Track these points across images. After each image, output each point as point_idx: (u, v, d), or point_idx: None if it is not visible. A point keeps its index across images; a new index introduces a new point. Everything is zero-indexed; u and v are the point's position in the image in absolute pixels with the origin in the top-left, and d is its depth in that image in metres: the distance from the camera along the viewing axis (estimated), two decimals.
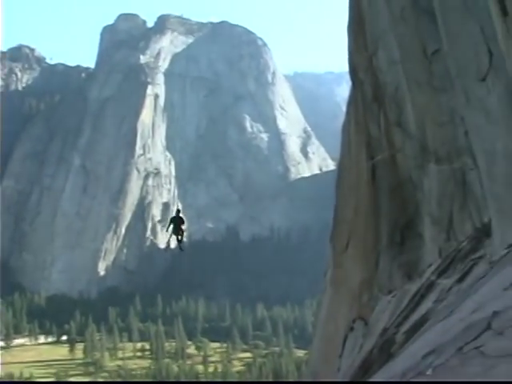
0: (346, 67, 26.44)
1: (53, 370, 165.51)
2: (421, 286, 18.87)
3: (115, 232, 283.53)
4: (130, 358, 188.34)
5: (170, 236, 31.68)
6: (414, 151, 20.51)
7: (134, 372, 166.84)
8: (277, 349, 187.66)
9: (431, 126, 19.63)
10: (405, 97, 20.66)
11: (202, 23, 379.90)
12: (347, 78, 26.66)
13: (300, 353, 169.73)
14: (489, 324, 7.56)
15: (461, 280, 15.88)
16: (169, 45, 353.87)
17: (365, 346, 20.57)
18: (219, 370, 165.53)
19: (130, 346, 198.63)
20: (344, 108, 28.43)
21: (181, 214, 32.58)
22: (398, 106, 21.02)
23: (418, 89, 20.19)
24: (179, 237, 31.48)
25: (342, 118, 28.37)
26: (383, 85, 21.91)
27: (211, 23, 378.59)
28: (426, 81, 19.81)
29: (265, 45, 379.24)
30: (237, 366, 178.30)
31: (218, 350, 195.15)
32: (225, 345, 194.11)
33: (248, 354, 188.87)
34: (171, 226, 31.42)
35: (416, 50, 20.04)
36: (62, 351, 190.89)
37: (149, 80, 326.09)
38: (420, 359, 8.75)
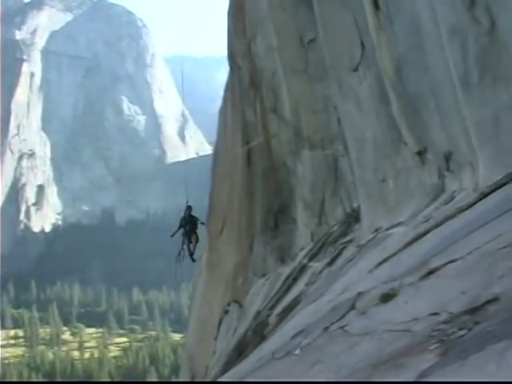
0: (225, 52, 26.45)
1: None
2: (293, 269, 19.34)
3: None
4: (2, 346, 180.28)
5: (184, 245, 23.38)
6: (288, 137, 20.88)
7: (6, 361, 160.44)
8: (153, 333, 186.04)
9: (305, 113, 20.04)
10: (281, 84, 20.96)
11: (82, 0, 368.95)
12: (226, 62, 26.71)
13: (176, 336, 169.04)
14: (353, 304, 7.88)
15: (331, 263, 16.41)
16: (47, 21, 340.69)
17: (239, 329, 20.88)
18: (95, 355, 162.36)
19: (2, 333, 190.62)
20: (222, 93, 28.47)
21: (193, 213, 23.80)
22: (274, 92, 21.31)
23: (293, 76, 20.53)
24: (190, 245, 23.63)
25: (219, 102, 28.41)
26: (260, 71, 22.13)
27: (91, 1, 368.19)
28: (301, 69, 20.17)
29: (145, 26, 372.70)
30: (113, 351, 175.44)
31: (94, 336, 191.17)
32: (101, 330, 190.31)
33: (124, 339, 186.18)
34: (181, 230, 23.46)
35: (293, 38, 20.35)
36: None
37: (24, 57, 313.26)
38: (289, 340, 9.03)
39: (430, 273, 7.95)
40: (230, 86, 25.60)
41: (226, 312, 24.01)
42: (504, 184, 10.64)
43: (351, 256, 14.66)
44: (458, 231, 9.42)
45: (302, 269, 18.47)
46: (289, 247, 21.01)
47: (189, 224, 22.89)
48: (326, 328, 7.66)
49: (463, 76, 12.79)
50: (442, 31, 13.35)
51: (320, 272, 16.46)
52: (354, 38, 16.64)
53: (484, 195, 10.86)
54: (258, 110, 22.27)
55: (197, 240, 23.14)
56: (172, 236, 23.66)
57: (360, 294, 8.21)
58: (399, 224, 13.05)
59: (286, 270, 19.87)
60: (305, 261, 18.76)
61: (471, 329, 5.43)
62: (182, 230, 23.41)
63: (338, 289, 11.08)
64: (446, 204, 12.23)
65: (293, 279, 18.54)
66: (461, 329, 5.53)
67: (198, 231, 23.64)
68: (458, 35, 12.86)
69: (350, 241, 16.66)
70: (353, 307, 7.84)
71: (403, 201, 14.02)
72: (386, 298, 7.52)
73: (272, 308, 18.20)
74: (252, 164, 22.61)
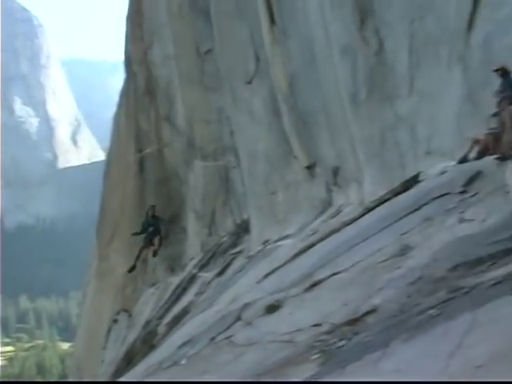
0: (121, 57, 26.14)
1: None
2: (183, 279, 19.32)
3: None
4: None
5: (140, 252, 20.18)
6: (181, 147, 20.87)
7: None
8: (40, 341, 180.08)
9: (199, 124, 20.10)
10: (176, 92, 20.95)
11: None
12: (122, 68, 26.39)
13: (64, 345, 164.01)
14: (239, 315, 8.00)
15: (220, 273, 16.54)
16: None
17: (128, 338, 20.66)
18: None
19: None
20: (117, 99, 28.12)
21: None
22: (169, 100, 21.27)
23: (189, 86, 20.56)
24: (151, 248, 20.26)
25: (114, 108, 28.02)
26: (156, 79, 22.04)
27: None
28: (197, 79, 20.23)
29: (41, 25, 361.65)
30: None
31: None
32: None
33: (10, 348, 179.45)
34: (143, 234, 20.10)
35: (190, 48, 20.40)
36: None
37: None
38: (176, 349, 9.07)
39: (315, 284, 8.19)
40: (125, 93, 25.31)
41: (115, 321, 23.69)
42: (387, 199, 11.10)
43: (240, 267, 14.84)
44: (342, 244, 9.73)
45: (192, 279, 18.50)
46: (179, 257, 20.96)
47: (153, 226, 19.79)
48: (213, 338, 7.75)
49: (352, 94, 13.24)
50: (334, 49, 13.77)
51: (209, 282, 16.55)
52: (249, 51, 16.88)
53: (368, 210, 11.28)
54: (152, 118, 22.14)
55: (160, 243, 19.96)
56: (134, 234, 20.26)
57: (246, 304, 8.34)
58: (287, 236, 13.33)
59: (176, 280, 19.82)
60: (195, 271, 18.80)
61: (351, 339, 5.67)
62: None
63: (226, 299, 11.20)
64: (332, 218, 12.59)
65: (182, 289, 18.54)
66: (341, 339, 5.75)
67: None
68: (349, 54, 13.31)
69: (240, 252, 16.85)
70: (239, 318, 7.96)
71: (292, 213, 14.31)
72: (272, 309, 7.68)
73: (161, 317, 18.14)
74: (144, 172, 22.42)
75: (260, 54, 16.45)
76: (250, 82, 16.55)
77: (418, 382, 3.27)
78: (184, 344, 8.91)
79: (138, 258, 20.23)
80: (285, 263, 10.49)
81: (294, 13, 14.97)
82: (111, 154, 26.38)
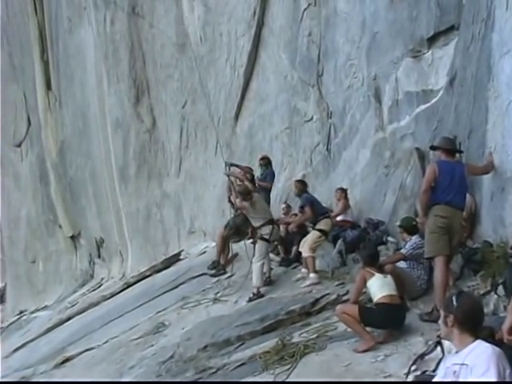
0: None
1: None
2: None
3: None
4: None
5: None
6: None
7: None
8: None
9: None
10: None
11: None
12: None
13: None
14: None
15: None
16: None
17: None
18: None
19: None
20: None
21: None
22: None
23: None
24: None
25: None
26: None
27: None
28: None
29: None
30: None
31: None
32: None
33: None
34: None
35: None
36: None
37: None
38: None
39: (66, 361, 7.97)
40: None
41: None
42: (148, 276, 11.20)
43: None
44: (99, 319, 9.60)
45: None
46: None
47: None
48: None
49: (122, 168, 13.35)
50: (107, 122, 13.88)
51: None
52: (21, 114, 16.45)
53: (128, 285, 11.29)
54: None
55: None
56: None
57: None
58: (45, 308, 12.92)
59: None
60: None
61: None
62: None
63: None
64: (93, 291, 12.41)
65: None
66: None
67: None
68: (122, 129, 13.49)
69: None
70: None
71: (52, 284, 13.91)
72: None
73: None
74: None
75: (32, 118, 16.14)
76: (18, 145, 16.13)
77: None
78: None
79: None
80: (37, 337, 10.11)
81: (71, 81, 14.91)
82: None
